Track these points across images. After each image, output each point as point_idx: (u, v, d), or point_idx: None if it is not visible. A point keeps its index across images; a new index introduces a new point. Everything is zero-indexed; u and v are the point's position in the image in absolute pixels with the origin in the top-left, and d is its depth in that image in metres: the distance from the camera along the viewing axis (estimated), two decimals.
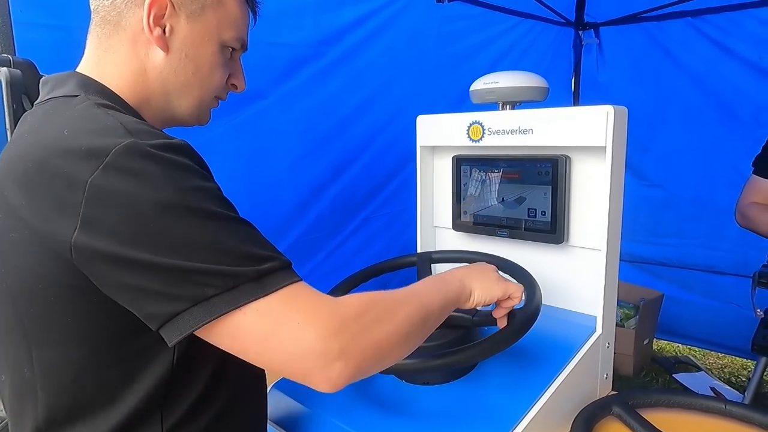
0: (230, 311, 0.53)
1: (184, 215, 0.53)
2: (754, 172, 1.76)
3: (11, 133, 0.89)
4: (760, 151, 1.76)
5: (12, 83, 0.86)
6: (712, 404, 0.99)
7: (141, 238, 0.52)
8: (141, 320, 0.56)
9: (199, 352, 0.63)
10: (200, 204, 0.55)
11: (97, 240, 0.52)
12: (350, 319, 0.57)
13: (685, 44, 2.83)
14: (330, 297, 0.59)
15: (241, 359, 0.65)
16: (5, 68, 0.88)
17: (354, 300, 0.60)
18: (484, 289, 0.79)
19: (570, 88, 3.36)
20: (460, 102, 2.50)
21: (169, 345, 0.54)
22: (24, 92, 0.92)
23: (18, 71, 0.88)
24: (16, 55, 1.16)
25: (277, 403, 0.99)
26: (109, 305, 0.56)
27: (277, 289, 0.55)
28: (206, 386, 0.66)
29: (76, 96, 0.65)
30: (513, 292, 0.83)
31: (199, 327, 0.53)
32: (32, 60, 1.16)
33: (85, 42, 0.73)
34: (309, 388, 1.05)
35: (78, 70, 0.71)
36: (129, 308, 0.56)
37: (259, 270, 0.55)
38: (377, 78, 2.22)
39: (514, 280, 0.96)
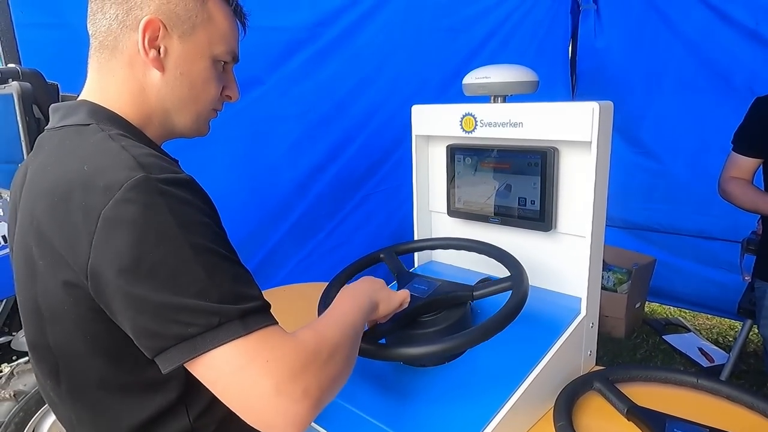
0: (212, 349, 0.56)
1: (180, 248, 0.57)
2: (733, 149, 1.82)
3: (26, 146, 0.94)
4: (737, 128, 1.81)
5: (23, 97, 0.90)
6: (685, 378, 1.07)
7: (140, 266, 0.56)
8: None
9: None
10: (197, 239, 0.59)
11: (104, 267, 0.57)
12: (310, 360, 0.60)
13: (682, 9, 2.81)
14: (295, 338, 0.62)
15: None
16: (16, 82, 0.91)
17: (309, 338, 0.63)
18: (386, 303, 0.89)
19: (567, 55, 3.34)
20: (456, 77, 2.51)
21: (163, 373, 0.58)
22: (33, 102, 0.96)
23: (27, 84, 0.92)
24: (20, 57, 1.19)
25: None
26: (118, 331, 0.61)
27: (256, 330, 0.59)
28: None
29: (88, 125, 0.69)
30: (403, 300, 0.94)
31: (184, 362, 0.57)
32: (35, 58, 1.20)
33: (86, 66, 0.77)
34: None
35: (83, 96, 0.75)
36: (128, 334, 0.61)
37: (242, 309, 0.58)
38: (374, 56, 2.23)
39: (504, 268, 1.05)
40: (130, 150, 0.63)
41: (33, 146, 0.83)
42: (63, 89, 1.15)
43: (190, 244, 0.58)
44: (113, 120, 0.72)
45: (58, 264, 0.62)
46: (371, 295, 0.85)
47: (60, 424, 2.02)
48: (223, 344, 0.56)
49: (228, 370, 0.57)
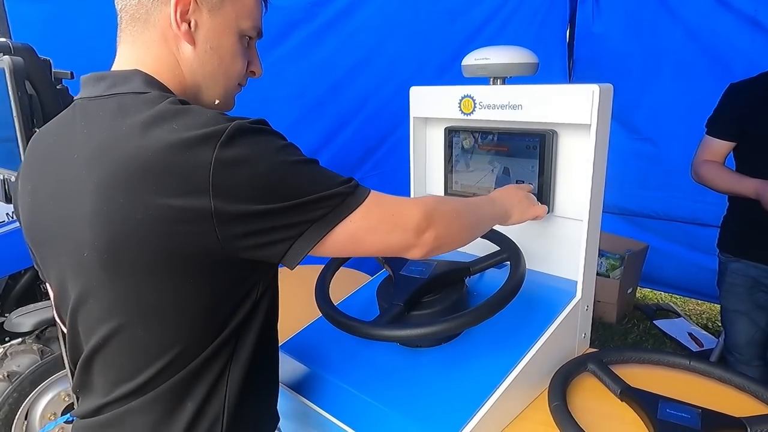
0: (342, 220, 0.70)
1: (289, 166, 0.67)
2: (707, 133, 1.85)
3: (18, 120, 0.92)
4: (712, 113, 1.84)
5: (15, 71, 0.88)
6: (678, 360, 1.09)
7: (263, 191, 0.65)
8: (249, 270, 0.72)
9: (265, 299, 0.79)
10: (295, 156, 0.69)
11: (231, 204, 0.64)
12: (430, 205, 0.79)
13: None
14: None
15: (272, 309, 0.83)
16: (7, 57, 0.89)
17: (429, 197, 0.82)
18: (521, 214, 1.04)
19: (564, 40, 3.32)
20: (453, 61, 2.49)
21: (291, 269, 0.70)
22: (26, 77, 0.94)
23: (19, 58, 0.89)
24: (11, 33, 1.17)
25: (282, 365, 1.08)
26: (226, 266, 0.69)
27: (366, 196, 0.72)
28: (260, 329, 0.80)
29: (147, 93, 0.70)
30: (539, 215, 1.09)
31: (322, 238, 0.69)
32: (26, 33, 1.17)
33: (116, 42, 0.77)
34: (312, 350, 1.14)
35: (115, 67, 0.76)
36: (257, 254, 0.68)
37: (351, 186, 0.72)
38: (370, 38, 2.20)
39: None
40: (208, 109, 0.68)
41: (24, 122, 0.81)
42: (55, 66, 1.13)
43: (293, 161, 0.68)
44: (166, 89, 0.74)
45: (164, 216, 0.63)
46: (509, 207, 1.02)
47: (53, 405, 2.01)
48: (351, 213, 0.70)
49: (368, 228, 0.73)
